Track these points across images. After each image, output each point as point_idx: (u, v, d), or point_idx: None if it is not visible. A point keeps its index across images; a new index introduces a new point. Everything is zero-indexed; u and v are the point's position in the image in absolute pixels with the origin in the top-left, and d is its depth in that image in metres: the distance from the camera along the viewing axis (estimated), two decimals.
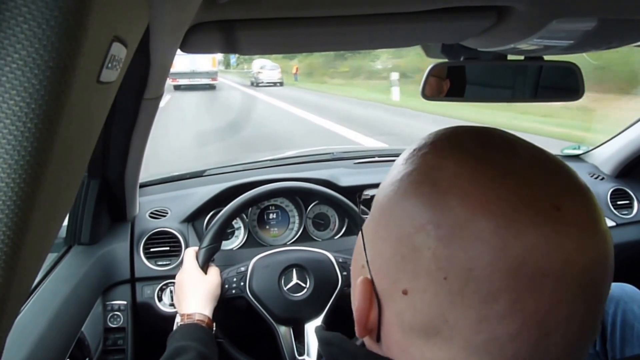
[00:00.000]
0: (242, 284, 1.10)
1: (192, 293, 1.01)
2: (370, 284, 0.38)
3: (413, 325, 0.35)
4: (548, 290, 0.31)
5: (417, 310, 0.34)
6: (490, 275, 0.31)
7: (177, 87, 15.89)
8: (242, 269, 1.12)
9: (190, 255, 1.09)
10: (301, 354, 1.07)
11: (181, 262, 1.13)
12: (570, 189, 0.34)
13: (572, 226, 0.32)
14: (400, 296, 0.35)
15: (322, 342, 0.41)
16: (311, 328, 1.08)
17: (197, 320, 0.96)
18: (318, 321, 1.09)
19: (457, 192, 0.33)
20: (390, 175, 0.39)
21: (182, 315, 0.97)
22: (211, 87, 16.54)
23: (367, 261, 0.39)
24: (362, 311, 0.38)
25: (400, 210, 0.36)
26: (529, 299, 0.31)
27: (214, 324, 0.99)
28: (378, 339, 0.39)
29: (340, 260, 1.15)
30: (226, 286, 1.09)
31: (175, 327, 0.96)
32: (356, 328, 0.39)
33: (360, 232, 0.42)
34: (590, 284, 0.32)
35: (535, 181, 0.33)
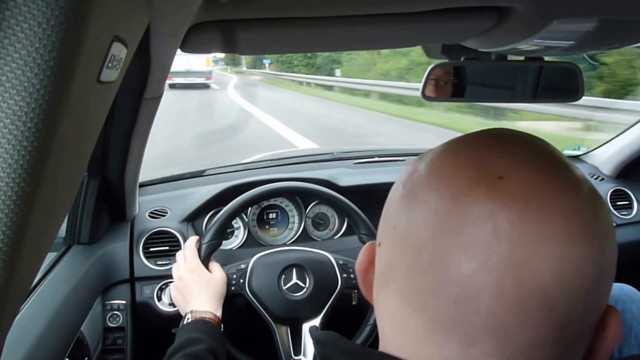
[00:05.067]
0: (241, 281, 1.09)
1: (201, 292, 1.00)
2: (374, 246, 0.41)
3: (379, 274, 0.38)
4: (472, 252, 0.31)
5: (382, 260, 0.38)
6: (424, 227, 0.33)
7: (172, 86, 16.01)
8: (242, 266, 1.12)
9: (192, 250, 1.07)
10: (297, 354, 1.07)
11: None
12: (522, 160, 0.33)
13: (510, 196, 0.31)
14: (378, 249, 0.39)
15: (316, 341, 0.42)
16: (309, 328, 1.08)
17: (209, 318, 0.95)
18: (316, 322, 1.09)
19: (425, 164, 0.37)
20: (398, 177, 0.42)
21: (192, 312, 0.96)
22: (205, 86, 16.76)
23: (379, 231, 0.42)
24: (361, 264, 0.42)
25: (396, 183, 0.40)
26: (449, 256, 0.32)
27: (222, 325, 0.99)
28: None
29: (341, 262, 1.15)
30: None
31: (184, 322, 0.95)
32: (360, 285, 0.43)
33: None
34: (524, 264, 0.30)
35: (490, 154, 0.34)
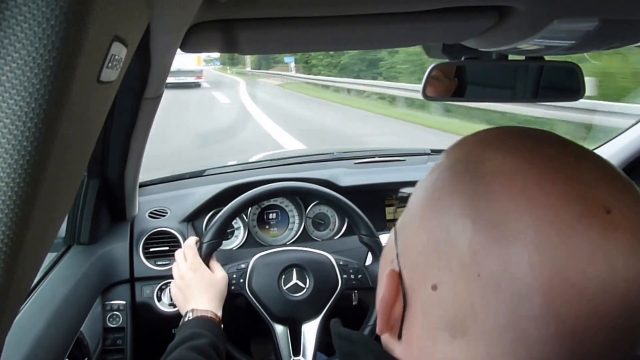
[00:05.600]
0: (241, 281, 1.09)
1: (202, 291, 0.99)
2: (398, 276, 0.37)
3: (440, 321, 0.33)
4: (587, 297, 0.29)
5: (445, 305, 0.33)
6: (527, 274, 0.29)
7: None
8: (242, 266, 1.12)
9: (192, 250, 1.06)
10: (297, 354, 1.07)
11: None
12: (621, 190, 0.31)
13: (621, 232, 0.29)
14: (428, 290, 0.34)
15: (344, 337, 0.40)
16: (308, 329, 1.08)
17: (210, 317, 0.95)
18: (316, 322, 1.09)
19: (500, 183, 0.31)
20: (431, 169, 0.38)
21: (193, 311, 0.96)
22: (196, 85, 16.89)
23: (397, 254, 0.38)
24: (387, 303, 0.37)
25: (438, 202, 0.34)
26: (566, 305, 0.29)
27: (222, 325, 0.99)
28: (399, 337, 0.37)
29: (342, 262, 1.15)
30: None
31: (184, 320, 0.95)
32: (378, 322, 0.38)
33: (393, 228, 0.41)
34: (635, 297, 0.29)
35: (586, 177, 0.31)
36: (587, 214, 0.30)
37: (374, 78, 13.28)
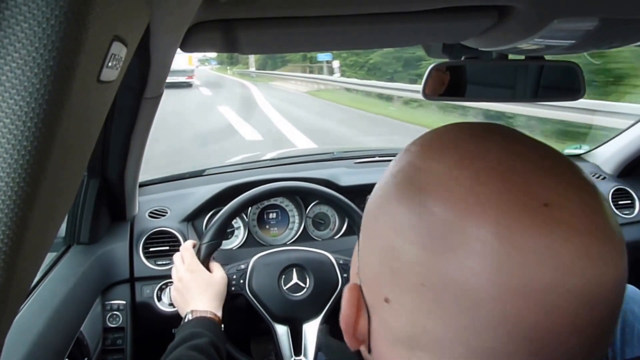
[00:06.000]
0: (241, 281, 1.09)
1: (201, 292, 0.99)
2: (359, 290, 0.36)
3: (396, 336, 0.33)
4: (534, 299, 0.28)
5: (399, 320, 0.32)
6: (475, 283, 0.28)
7: None
8: (242, 266, 1.12)
9: (189, 252, 1.07)
10: (298, 354, 1.07)
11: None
12: (563, 183, 0.30)
13: (564, 224, 0.28)
14: (383, 304, 0.33)
15: (329, 349, 0.40)
16: (309, 328, 1.08)
17: (209, 317, 0.95)
18: (316, 322, 1.09)
19: (438, 192, 0.31)
20: (381, 177, 0.38)
21: (192, 312, 0.96)
22: (188, 85, 16.90)
23: (358, 268, 0.38)
24: (347, 319, 0.37)
25: (383, 214, 0.34)
26: (514, 309, 0.28)
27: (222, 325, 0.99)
28: (369, 351, 0.37)
29: (341, 262, 1.15)
30: None
31: (185, 321, 0.95)
32: (345, 338, 0.38)
33: (358, 239, 0.40)
34: (595, 289, 0.28)
35: (524, 177, 0.30)
36: (523, 212, 0.29)
37: (413, 81, 10.91)
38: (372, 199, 0.37)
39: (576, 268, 0.28)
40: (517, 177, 0.30)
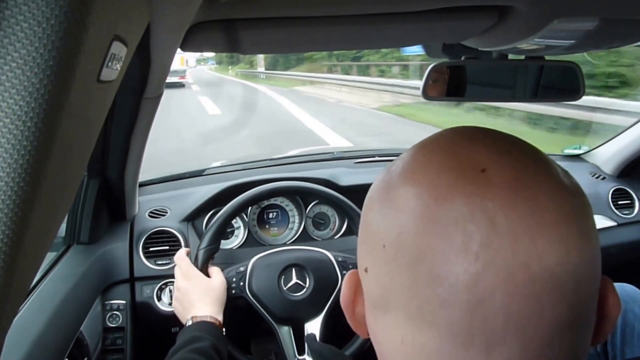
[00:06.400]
0: (241, 284, 1.09)
1: (200, 298, 0.99)
2: (357, 274, 0.39)
3: (373, 301, 0.35)
4: (473, 252, 0.29)
5: (373, 284, 0.35)
6: (415, 238, 0.31)
7: None
8: (242, 269, 1.12)
9: (184, 260, 1.07)
10: (301, 353, 1.07)
11: None
12: (501, 151, 0.33)
13: (497, 188, 0.30)
14: (364, 275, 0.36)
15: (318, 354, 0.42)
16: (311, 328, 1.08)
17: (210, 321, 0.96)
18: (318, 321, 1.09)
19: (398, 169, 0.35)
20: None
21: (193, 317, 0.96)
22: (181, 85, 16.87)
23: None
24: (346, 298, 0.39)
25: (366, 199, 0.38)
26: (456, 262, 0.29)
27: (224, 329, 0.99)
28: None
29: (340, 259, 1.15)
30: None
31: (186, 326, 0.95)
32: (347, 320, 0.40)
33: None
34: (529, 253, 0.29)
35: (467, 151, 0.33)
36: (461, 177, 0.31)
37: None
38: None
39: (509, 228, 0.29)
40: (462, 150, 0.33)
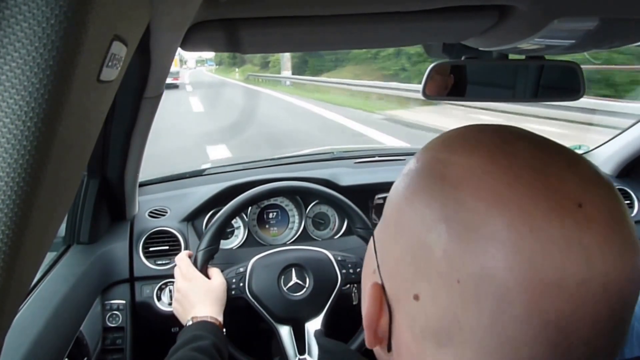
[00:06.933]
0: (241, 284, 1.09)
1: (200, 299, 0.99)
2: (381, 288, 0.36)
3: (425, 331, 0.33)
4: (568, 293, 0.29)
5: (429, 315, 0.32)
6: (505, 276, 0.29)
7: None
8: (241, 269, 1.12)
9: (184, 262, 1.07)
10: (302, 353, 1.07)
11: None
12: (593, 183, 0.31)
13: (594, 224, 0.29)
14: (411, 300, 0.33)
15: (323, 349, 0.40)
16: (312, 327, 1.08)
17: (211, 321, 0.95)
18: (318, 320, 1.09)
19: (469, 185, 0.31)
20: (401, 175, 0.38)
21: (193, 318, 0.96)
22: (174, 86, 16.82)
23: (377, 265, 0.37)
24: (372, 316, 0.37)
25: (410, 210, 0.34)
26: (547, 303, 0.29)
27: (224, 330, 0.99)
28: (389, 349, 0.37)
29: (339, 258, 1.15)
30: None
31: (186, 326, 0.95)
32: (366, 336, 0.38)
33: (372, 237, 0.40)
34: (615, 287, 0.29)
35: (555, 173, 0.31)
36: (559, 209, 0.29)
37: None
38: (392, 196, 0.37)
39: (601, 266, 0.29)
40: (550, 175, 0.30)
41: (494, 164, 0.31)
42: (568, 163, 0.32)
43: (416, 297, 0.33)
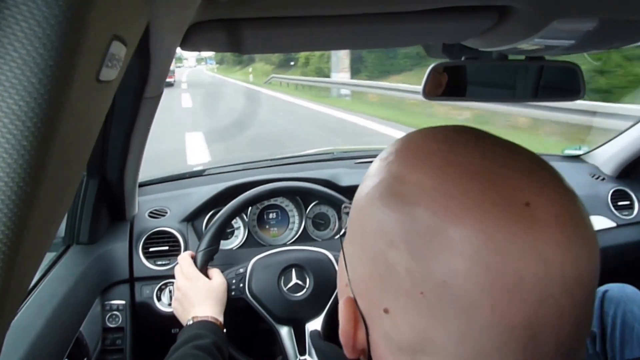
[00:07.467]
0: (241, 285, 1.09)
1: (201, 299, 0.99)
2: (354, 303, 0.37)
3: (399, 345, 0.33)
4: (529, 293, 0.29)
5: (400, 329, 0.33)
6: (466, 285, 0.30)
7: None
8: (241, 270, 1.12)
9: (186, 261, 1.07)
10: (302, 353, 1.07)
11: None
12: (540, 183, 0.32)
13: (544, 222, 0.30)
14: (383, 315, 0.34)
15: (318, 351, 0.41)
16: (312, 327, 1.08)
17: (211, 321, 0.95)
18: (319, 320, 1.09)
19: (422, 202, 0.32)
20: (362, 187, 0.38)
21: (193, 318, 0.96)
22: (169, 85, 16.87)
23: (349, 280, 0.38)
24: (347, 333, 0.37)
25: (371, 226, 0.35)
26: (511, 306, 0.29)
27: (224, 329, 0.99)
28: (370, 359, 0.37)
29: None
30: None
31: (186, 325, 0.95)
32: (345, 350, 0.38)
33: (341, 249, 0.40)
34: (574, 279, 0.30)
35: (504, 180, 0.31)
36: (508, 213, 0.30)
37: None
38: (354, 210, 0.38)
39: (557, 262, 0.30)
40: (497, 178, 0.31)
41: (443, 179, 0.32)
42: (518, 165, 0.33)
43: (386, 311, 0.34)
